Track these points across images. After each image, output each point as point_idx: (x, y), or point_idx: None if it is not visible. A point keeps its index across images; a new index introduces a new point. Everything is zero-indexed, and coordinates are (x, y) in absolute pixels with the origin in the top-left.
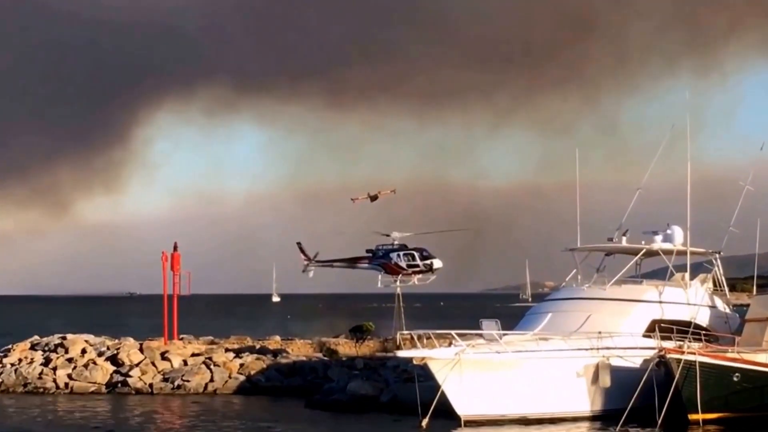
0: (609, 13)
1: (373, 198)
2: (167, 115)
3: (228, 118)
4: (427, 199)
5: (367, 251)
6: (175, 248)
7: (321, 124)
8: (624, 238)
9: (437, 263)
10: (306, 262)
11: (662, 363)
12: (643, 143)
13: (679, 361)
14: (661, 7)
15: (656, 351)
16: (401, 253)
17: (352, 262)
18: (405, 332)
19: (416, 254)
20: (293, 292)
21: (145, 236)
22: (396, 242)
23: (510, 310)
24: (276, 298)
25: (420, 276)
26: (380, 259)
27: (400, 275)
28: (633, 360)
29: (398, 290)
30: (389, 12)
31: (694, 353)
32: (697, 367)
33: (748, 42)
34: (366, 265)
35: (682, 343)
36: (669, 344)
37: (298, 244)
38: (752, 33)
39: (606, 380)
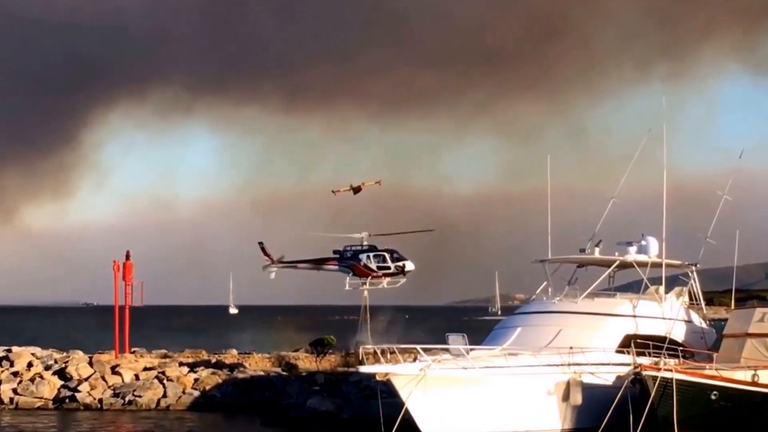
0: (579, 18)
1: (356, 190)
2: (119, 118)
3: (182, 120)
4: (389, 205)
5: (335, 252)
6: (128, 257)
7: (279, 127)
8: (597, 249)
9: (409, 265)
10: (267, 263)
11: (638, 380)
12: (614, 151)
13: (655, 378)
14: (632, 12)
15: (631, 367)
16: (371, 254)
17: (317, 263)
18: (368, 346)
19: (387, 255)
20: (252, 304)
21: (96, 244)
22: (365, 243)
23: (478, 323)
24: (233, 310)
25: (390, 279)
26: (348, 260)
27: (370, 277)
28: (606, 376)
29: (366, 293)
30: (349, 12)
31: (671, 370)
32: (674, 385)
33: (722, 48)
34: (333, 267)
35: (658, 359)
36: (645, 361)
37: (260, 243)
38: (726, 38)
39: (577, 397)
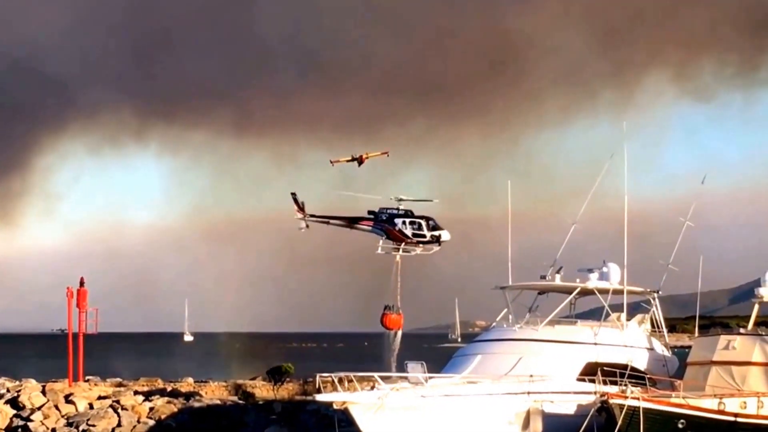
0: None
1: (359, 161)
2: (70, 143)
3: (132, 146)
4: (338, 232)
5: (369, 212)
6: (82, 284)
7: (228, 152)
8: (558, 276)
9: (445, 235)
10: (300, 215)
11: (604, 408)
12: (563, 177)
13: (622, 406)
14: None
15: (595, 396)
16: (407, 220)
17: (351, 221)
18: (325, 374)
19: (423, 223)
20: (207, 331)
21: (44, 271)
22: (401, 207)
23: (438, 351)
24: (188, 337)
25: (424, 247)
26: (383, 223)
27: (404, 243)
28: (567, 405)
29: (398, 258)
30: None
31: (638, 398)
32: (641, 413)
33: (665, 76)
34: (366, 227)
35: (624, 387)
36: (611, 389)
37: (293, 194)
38: (668, 67)
39: (537, 426)
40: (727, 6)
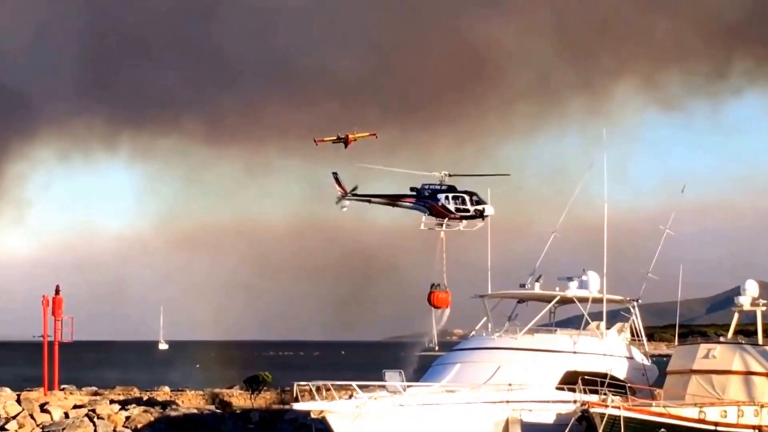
0: (495, 56)
1: (345, 142)
2: (41, 150)
3: (103, 153)
4: (309, 240)
5: (412, 189)
6: (57, 292)
7: (199, 160)
8: (537, 285)
9: (489, 210)
10: (341, 194)
11: (584, 417)
12: (536, 186)
13: (602, 415)
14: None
15: (573, 404)
16: (450, 195)
17: (393, 199)
18: (302, 383)
19: (467, 197)
20: (182, 339)
21: (16, 279)
22: (444, 182)
23: (416, 359)
24: (163, 345)
25: (468, 222)
26: (426, 199)
27: (447, 219)
28: (545, 414)
29: (442, 234)
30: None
31: (619, 407)
32: (622, 422)
33: (635, 84)
34: (409, 204)
35: (605, 396)
36: (592, 398)
37: (334, 174)
38: (637, 77)
39: None
40: (694, 15)
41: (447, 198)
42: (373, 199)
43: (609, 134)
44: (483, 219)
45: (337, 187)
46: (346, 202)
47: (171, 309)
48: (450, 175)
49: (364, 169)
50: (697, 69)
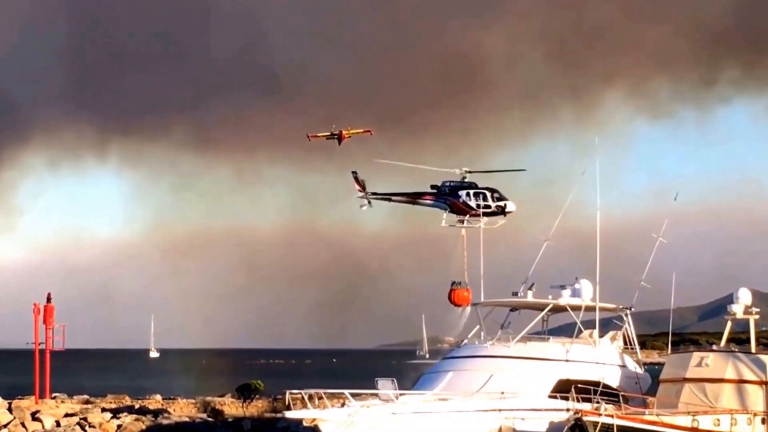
0: (487, 65)
1: (339, 138)
2: (32, 157)
3: (93, 161)
4: (299, 248)
5: (432, 187)
6: (48, 299)
7: (189, 167)
8: (530, 293)
9: (510, 206)
10: (361, 194)
11: (577, 426)
12: (527, 193)
13: (595, 423)
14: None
15: (567, 413)
16: (471, 192)
17: (413, 197)
18: (295, 391)
19: (488, 194)
20: (173, 347)
21: (6, 286)
22: (465, 179)
23: (408, 367)
24: (154, 353)
25: (489, 218)
26: (446, 196)
27: (468, 215)
28: (538, 422)
29: (463, 231)
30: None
31: (612, 416)
32: (615, 431)
33: (624, 92)
34: (429, 201)
35: (598, 405)
36: (584, 406)
37: (354, 173)
38: (625, 84)
39: None
40: (683, 23)
41: (468, 195)
42: (393, 198)
43: (600, 142)
44: (505, 215)
45: (357, 186)
46: (367, 201)
47: (162, 317)
48: (469, 172)
49: (363, 169)
50: (686, 77)
